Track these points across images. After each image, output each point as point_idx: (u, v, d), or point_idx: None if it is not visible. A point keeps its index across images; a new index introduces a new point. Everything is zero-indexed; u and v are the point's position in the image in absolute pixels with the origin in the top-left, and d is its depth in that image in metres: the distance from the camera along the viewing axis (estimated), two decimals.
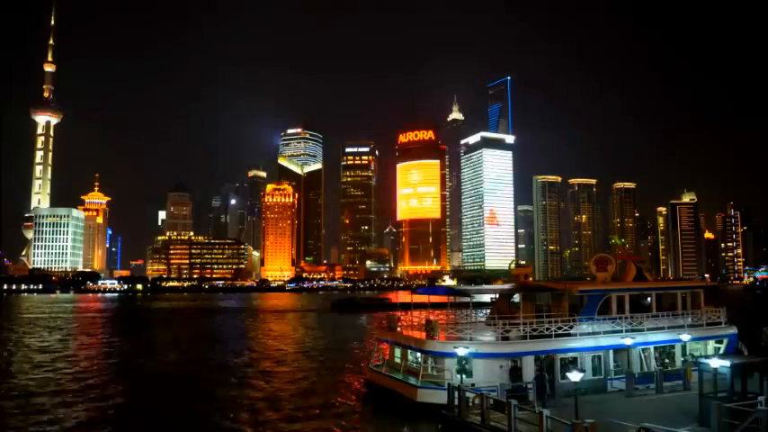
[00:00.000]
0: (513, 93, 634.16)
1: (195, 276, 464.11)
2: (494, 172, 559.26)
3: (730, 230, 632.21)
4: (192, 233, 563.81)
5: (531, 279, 43.48)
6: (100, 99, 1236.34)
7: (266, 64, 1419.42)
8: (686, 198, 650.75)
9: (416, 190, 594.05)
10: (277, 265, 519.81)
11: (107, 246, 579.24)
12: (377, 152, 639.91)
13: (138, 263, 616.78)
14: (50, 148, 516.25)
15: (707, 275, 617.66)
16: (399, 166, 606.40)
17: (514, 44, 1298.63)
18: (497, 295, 40.56)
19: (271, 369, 50.96)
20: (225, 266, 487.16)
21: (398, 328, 36.90)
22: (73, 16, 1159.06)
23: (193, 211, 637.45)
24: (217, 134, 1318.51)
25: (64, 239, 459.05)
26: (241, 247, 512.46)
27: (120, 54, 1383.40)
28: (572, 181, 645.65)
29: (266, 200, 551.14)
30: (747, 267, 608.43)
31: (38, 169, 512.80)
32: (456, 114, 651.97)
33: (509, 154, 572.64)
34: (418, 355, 33.30)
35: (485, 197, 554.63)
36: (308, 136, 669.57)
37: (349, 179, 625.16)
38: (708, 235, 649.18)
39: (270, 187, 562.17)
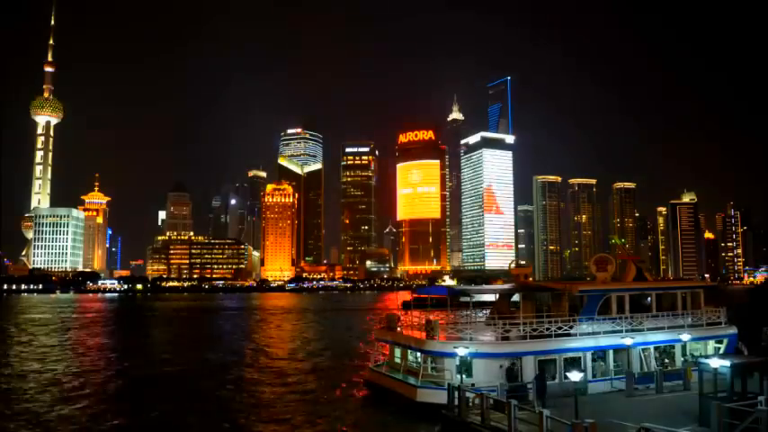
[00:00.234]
0: (513, 93, 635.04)
1: (195, 276, 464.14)
2: (494, 172, 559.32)
3: (730, 230, 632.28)
4: (191, 233, 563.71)
5: (530, 279, 43.51)
6: (100, 99, 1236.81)
7: (266, 64, 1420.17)
8: (686, 198, 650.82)
9: (416, 190, 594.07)
10: (277, 265, 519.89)
11: (107, 246, 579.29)
12: (377, 152, 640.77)
13: (138, 263, 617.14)
14: (50, 148, 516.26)
15: (707, 275, 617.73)
16: (399, 166, 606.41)
17: (514, 44, 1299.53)
18: (497, 295, 40.53)
19: (270, 369, 50.96)
20: (225, 266, 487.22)
21: (398, 328, 36.86)
22: (73, 16, 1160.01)
23: (193, 211, 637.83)
24: (217, 134, 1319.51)
25: (64, 239, 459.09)
26: (241, 247, 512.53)
27: (120, 54, 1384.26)
28: (572, 181, 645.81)
29: (266, 200, 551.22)
30: (747, 267, 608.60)
31: (38, 169, 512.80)
32: (456, 114, 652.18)
33: (509, 154, 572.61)
34: (418, 354, 33.26)
35: (485, 197, 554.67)
36: (308, 136, 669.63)
37: (349, 179, 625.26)
38: (708, 235, 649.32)
39: (270, 187, 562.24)
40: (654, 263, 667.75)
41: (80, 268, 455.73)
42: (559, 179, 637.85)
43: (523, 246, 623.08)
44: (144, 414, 34.93)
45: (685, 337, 35.83)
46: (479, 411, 26.17)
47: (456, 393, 27.80)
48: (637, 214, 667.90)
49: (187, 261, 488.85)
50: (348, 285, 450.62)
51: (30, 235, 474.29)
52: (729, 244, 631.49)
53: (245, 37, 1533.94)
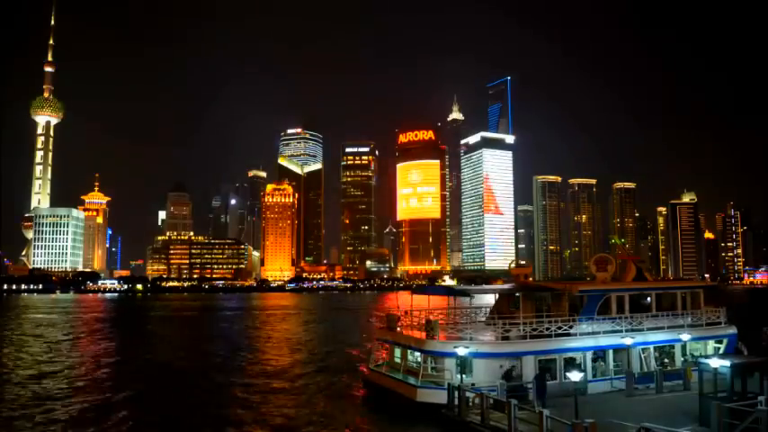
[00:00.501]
0: (513, 93, 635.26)
1: (195, 276, 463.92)
2: (494, 172, 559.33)
3: (730, 230, 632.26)
4: (191, 233, 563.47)
5: (530, 279, 43.51)
6: (100, 99, 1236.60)
7: (266, 64, 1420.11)
8: (686, 198, 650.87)
9: (416, 190, 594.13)
10: (277, 265, 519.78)
11: (107, 246, 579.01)
12: (377, 152, 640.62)
13: (138, 263, 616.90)
14: (50, 148, 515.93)
15: (707, 275, 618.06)
16: (399, 166, 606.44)
17: (514, 44, 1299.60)
18: (497, 295, 40.57)
19: (269, 368, 50.96)
20: (225, 266, 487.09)
21: (398, 328, 36.87)
22: (73, 16, 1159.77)
23: (193, 211, 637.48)
24: (217, 134, 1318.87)
25: (64, 239, 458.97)
26: (241, 247, 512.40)
27: (120, 54, 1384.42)
28: (572, 181, 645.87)
29: (266, 200, 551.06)
30: (747, 267, 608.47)
31: (38, 169, 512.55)
32: (456, 114, 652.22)
33: (509, 154, 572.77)
34: (418, 354, 33.28)
35: (485, 197, 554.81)
36: (308, 136, 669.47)
37: (349, 179, 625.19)
38: (708, 235, 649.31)
39: (270, 187, 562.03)
40: (654, 263, 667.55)
41: (80, 268, 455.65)
42: (559, 179, 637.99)
43: (523, 246, 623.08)
44: (143, 414, 34.93)
45: (686, 337, 35.84)
46: (479, 411, 26.18)
47: (456, 393, 27.81)
48: (637, 214, 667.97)
49: (187, 261, 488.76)
50: (348, 285, 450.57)
51: (30, 235, 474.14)
52: (729, 244, 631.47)
53: (246, 37, 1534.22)
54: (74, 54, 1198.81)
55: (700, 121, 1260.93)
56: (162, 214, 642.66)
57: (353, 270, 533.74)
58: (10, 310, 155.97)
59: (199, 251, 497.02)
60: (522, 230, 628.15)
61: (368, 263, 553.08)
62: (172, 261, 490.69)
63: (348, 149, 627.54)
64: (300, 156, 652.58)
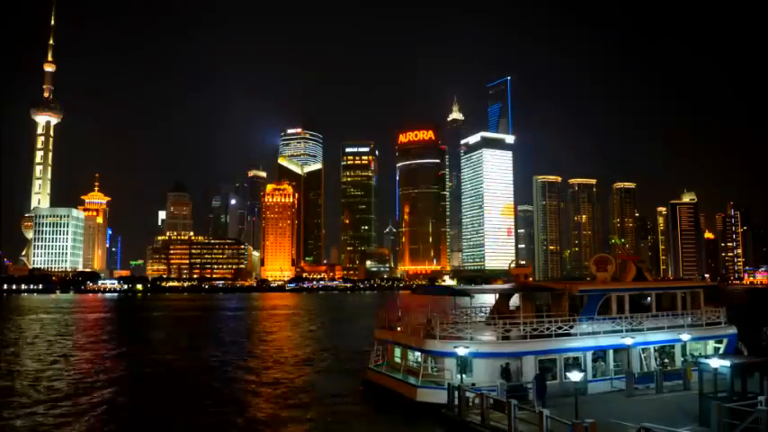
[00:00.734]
0: (513, 93, 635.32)
1: (195, 276, 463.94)
2: (494, 172, 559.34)
3: (730, 230, 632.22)
4: (192, 233, 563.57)
5: (530, 279, 43.50)
6: (100, 99, 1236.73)
7: (266, 64, 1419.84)
8: (686, 198, 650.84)
9: (416, 190, 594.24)
10: (277, 265, 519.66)
11: (107, 246, 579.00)
12: (377, 152, 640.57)
13: (139, 263, 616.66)
14: (50, 148, 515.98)
15: (707, 275, 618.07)
16: (399, 165, 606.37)
17: (515, 44, 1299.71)
18: (497, 295, 40.59)
19: (269, 369, 50.92)
20: (225, 266, 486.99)
21: (398, 328, 36.82)
22: (73, 16, 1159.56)
23: (193, 211, 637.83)
24: (217, 134, 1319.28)
25: (64, 239, 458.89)
26: (241, 247, 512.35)
27: (120, 54, 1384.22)
28: (572, 181, 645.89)
29: (266, 200, 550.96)
30: (747, 267, 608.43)
31: (38, 169, 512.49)
32: (456, 114, 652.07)
33: (509, 154, 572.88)
34: (417, 354, 33.22)
35: (485, 197, 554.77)
36: (308, 136, 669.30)
37: (349, 179, 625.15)
38: (708, 235, 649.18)
39: (270, 187, 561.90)
40: (654, 263, 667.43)
41: (80, 268, 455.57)
42: (559, 179, 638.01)
43: (523, 246, 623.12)
44: (140, 415, 34.94)
45: (685, 337, 35.85)
46: (479, 411, 26.17)
47: (456, 393, 27.79)
48: (637, 214, 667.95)
49: (187, 261, 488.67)
50: (348, 285, 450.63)
51: (30, 235, 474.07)
52: (729, 244, 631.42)
53: (246, 37, 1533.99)
54: (74, 54, 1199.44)
55: (700, 121, 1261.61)
56: (162, 214, 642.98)
57: (353, 270, 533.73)
58: (10, 311, 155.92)
59: (199, 251, 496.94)
60: (522, 230, 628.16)
61: (368, 263, 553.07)
62: (172, 261, 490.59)
63: (348, 149, 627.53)
64: (300, 156, 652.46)
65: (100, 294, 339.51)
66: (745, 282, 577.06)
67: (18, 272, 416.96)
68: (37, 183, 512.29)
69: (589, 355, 33.18)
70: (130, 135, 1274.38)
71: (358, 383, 38.89)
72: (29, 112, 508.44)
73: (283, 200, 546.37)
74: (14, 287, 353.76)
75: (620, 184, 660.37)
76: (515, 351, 31.67)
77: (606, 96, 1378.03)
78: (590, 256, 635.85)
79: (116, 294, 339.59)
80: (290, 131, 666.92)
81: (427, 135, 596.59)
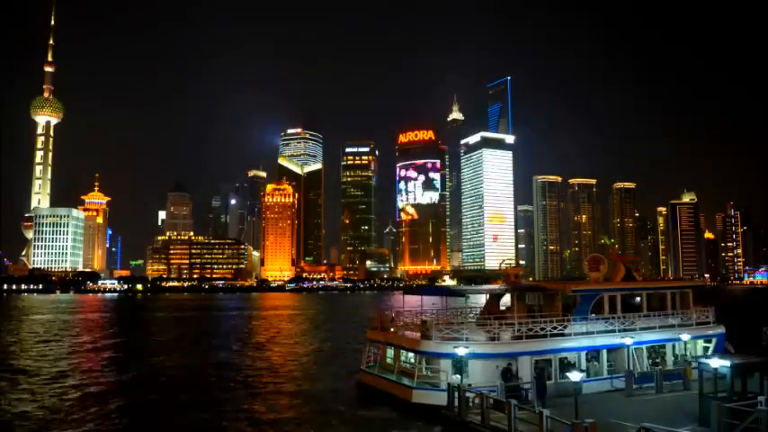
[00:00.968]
0: (513, 93, 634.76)
1: (195, 276, 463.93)
2: (494, 172, 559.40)
3: (730, 230, 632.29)
4: (192, 233, 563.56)
5: (522, 279, 43.36)
6: (100, 99, 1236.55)
7: (266, 64, 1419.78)
8: (686, 198, 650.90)
9: (416, 190, 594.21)
10: (277, 265, 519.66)
11: (107, 246, 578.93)
12: (377, 152, 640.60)
13: (139, 263, 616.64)
14: (50, 148, 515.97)
15: (707, 275, 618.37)
16: (399, 165, 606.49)
17: (515, 44, 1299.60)
18: (488, 295, 40.28)
19: (264, 370, 50.78)
20: (225, 266, 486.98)
21: (392, 329, 36.43)
22: (73, 16, 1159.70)
23: (193, 211, 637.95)
24: (217, 134, 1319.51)
25: (64, 239, 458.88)
26: (241, 247, 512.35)
27: (120, 54, 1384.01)
28: (572, 181, 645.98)
29: (266, 200, 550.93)
30: (747, 267, 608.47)
31: (38, 169, 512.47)
32: (456, 114, 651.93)
33: (509, 154, 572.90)
34: (410, 355, 32.99)
35: (485, 197, 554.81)
36: (308, 136, 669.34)
37: (349, 179, 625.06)
38: (708, 235, 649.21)
39: (270, 187, 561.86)
40: (654, 263, 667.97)
41: (80, 268, 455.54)
42: (559, 179, 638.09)
43: (523, 246, 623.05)
44: (137, 416, 34.94)
45: (686, 336, 36.07)
46: (479, 411, 26.16)
47: (456, 393, 27.78)
48: (637, 214, 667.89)
49: (187, 261, 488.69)
50: (348, 285, 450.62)
51: (30, 235, 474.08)
52: (729, 244, 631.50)
53: (246, 37, 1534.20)
54: (74, 54, 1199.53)
55: (700, 121, 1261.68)
56: (162, 214, 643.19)
57: (353, 270, 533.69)
58: (10, 311, 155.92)
59: (199, 251, 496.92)
60: (522, 230, 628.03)
61: (368, 263, 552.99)
62: (172, 261, 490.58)
63: (348, 149, 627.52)
64: (300, 156, 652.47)
65: (100, 294, 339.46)
66: (745, 282, 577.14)
67: (18, 272, 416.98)
68: (37, 183, 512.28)
69: (583, 355, 33.23)
70: (130, 135, 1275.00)
71: (352, 385, 38.48)
72: (29, 112, 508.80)
73: (283, 200, 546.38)
74: (14, 287, 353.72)
75: (620, 184, 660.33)
76: (513, 351, 31.56)
77: (606, 96, 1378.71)
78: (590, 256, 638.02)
79: (116, 294, 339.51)
80: (290, 131, 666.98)
81: (427, 135, 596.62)
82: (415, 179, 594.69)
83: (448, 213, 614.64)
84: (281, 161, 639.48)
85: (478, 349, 30.74)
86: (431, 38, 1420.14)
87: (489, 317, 34.84)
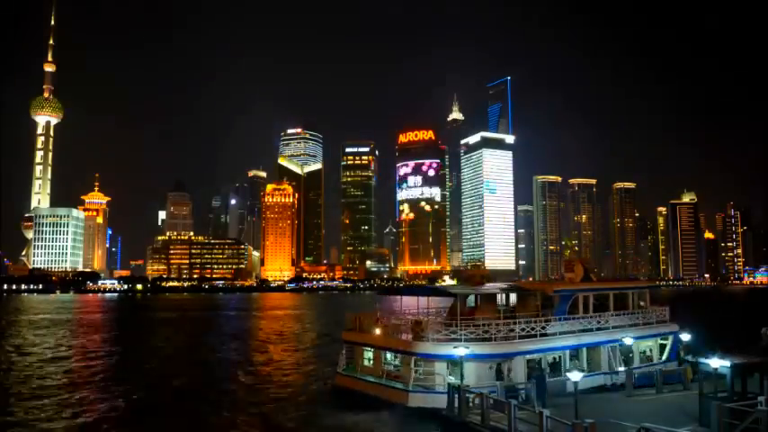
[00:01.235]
0: (513, 93, 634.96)
1: (195, 276, 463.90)
2: (494, 172, 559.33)
3: (730, 230, 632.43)
4: (192, 233, 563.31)
5: (486, 280, 43.16)
6: (100, 99, 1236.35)
7: (266, 64, 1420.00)
8: (686, 198, 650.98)
9: (416, 189, 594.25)
10: (277, 265, 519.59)
11: (107, 246, 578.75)
12: (377, 152, 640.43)
13: (138, 263, 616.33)
14: (50, 148, 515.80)
15: (707, 275, 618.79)
16: (399, 165, 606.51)
17: (515, 43, 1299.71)
18: (456, 296, 39.19)
19: (259, 372, 50.57)
20: (225, 266, 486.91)
21: (377, 330, 34.90)
22: (73, 16, 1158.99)
23: (193, 211, 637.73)
24: (217, 134, 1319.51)
25: (64, 239, 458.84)
26: (241, 247, 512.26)
27: (120, 54, 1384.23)
28: (572, 181, 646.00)
29: (266, 200, 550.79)
30: (747, 267, 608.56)
31: (38, 169, 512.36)
32: (456, 114, 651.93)
33: (509, 154, 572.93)
34: (389, 356, 32.56)
35: (485, 197, 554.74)
36: (308, 136, 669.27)
37: (349, 179, 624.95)
38: (708, 235, 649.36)
39: (270, 187, 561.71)
40: (654, 263, 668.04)
41: (80, 268, 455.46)
42: (559, 179, 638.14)
43: (523, 246, 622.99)
44: (123, 417, 34.93)
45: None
46: (479, 411, 26.14)
47: (456, 393, 27.74)
48: (637, 214, 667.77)
49: (187, 261, 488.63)
50: (348, 285, 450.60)
51: (30, 235, 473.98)
52: (729, 244, 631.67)
53: (246, 37, 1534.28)
54: (74, 54, 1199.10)
55: (700, 121, 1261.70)
56: (162, 214, 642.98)
57: (353, 270, 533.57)
58: (10, 311, 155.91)
59: (199, 251, 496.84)
60: (522, 230, 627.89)
61: (368, 263, 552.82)
62: (172, 261, 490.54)
63: (348, 149, 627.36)
64: (300, 156, 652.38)
65: (100, 294, 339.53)
66: (745, 282, 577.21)
67: (18, 272, 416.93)
68: (37, 183, 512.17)
69: (568, 353, 33.70)
70: (130, 135, 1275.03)
71: (331, 389, 36.41)
72: (29, 112, 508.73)
73: (283, 200, 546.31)
74: (14, 287, 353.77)
75: (620, 184, 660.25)
76: (509, 352, 31.47)
77: (606, 96, 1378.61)
78: (590, 255, 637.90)
79: (116, 294, 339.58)
80: (290, 131, 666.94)
81: (427, 135, 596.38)
82: (415, 179, 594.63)
83: (448, 213, 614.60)
84: (281, 161, 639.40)
85: (477, 350, 30.38)
86: (431, 38, 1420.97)
87: (454, 318, 33.74)
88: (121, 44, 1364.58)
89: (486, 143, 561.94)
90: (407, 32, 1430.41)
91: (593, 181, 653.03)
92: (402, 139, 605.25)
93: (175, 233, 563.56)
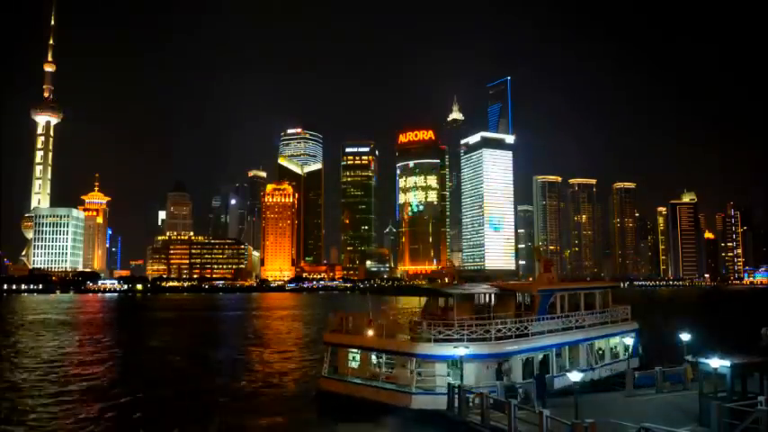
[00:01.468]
0: (512, 93, 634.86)
1: (195, 276, 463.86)
2: (494, 172, 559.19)
3: (730, 230, 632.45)
4: (192, 233, 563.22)
5: (454, 281, 43.82)
6: (100, 99, 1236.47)
7: (266, 64, 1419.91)
8: (686, 198, 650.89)
9: (416, 190, 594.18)
10: (277, 265, 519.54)
11: (107, 246, 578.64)
12: (377, 152, 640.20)
13: (138, 263, 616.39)
14: (50, 148, 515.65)
15: (707, 275, 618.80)
16: (399, 165, 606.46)
17: (515, 44, 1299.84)
18: (428, 296, 39.57)
19: (256, 375, 50.64)
20: (225, 266, 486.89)
21: (369, 331, 33.61)
22: (73, 16, 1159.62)
23: (193, 211, 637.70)
24: (217, 134, 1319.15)
25: (64, 239, 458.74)
26: (241, 247, 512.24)
27: (120, 54, 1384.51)
28: (572, 181, 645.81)
29: (266, 200, 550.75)
30: (747, 267, 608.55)
31: (38, 169, 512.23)
32: (456, 114, 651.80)
33: (509, 154, 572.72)
34: (374, 357, 32.10)
35: (485, 197, 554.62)
36: (308, 136, 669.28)
37: (349, 179, 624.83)
38: (708, 235, 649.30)
39: (270, 187, 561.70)
40: (654, 263, 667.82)
41: (80, 268, 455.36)
42: (559, 179, 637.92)
43: (523, 246, 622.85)
44: (132, 414, 34.98)
45: (618, 331, 38.50)
46: (479, 411, 26.13)
47: (456, 393, 27.72)
48: (637, 214, 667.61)
49: (187, 261, 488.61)
50: (348, 285, 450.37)
51: (30, 235, 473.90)
52: (729, 244, 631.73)
53: (246, 37, 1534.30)
54: (74, 54, 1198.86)
55: (700, 121, 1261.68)
56: (162, 214, 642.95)
57: (353, 270, 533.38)
58: (10, 311, 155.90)
59: (199, 251, 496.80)
60: (522, 230, 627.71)
61: (368, 263, 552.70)
62: (172, 261, 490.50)
63: (348, 149, 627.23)
64: (300, 156, 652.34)
65: (100, 294, 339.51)
66: (745, 282, 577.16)
67: (18, 272, 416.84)
68: (37, 183, 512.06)
69: (554, 351, 34.14)
70: (130, 135, 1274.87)
71: (320, 393, 34.28)
72: (29, 112, 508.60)
73: (283, 200, 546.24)
74: (14, 287, 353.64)
75: (620, 184, 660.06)
76: (507, 351, 31.52)
77: (606, 96, 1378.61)
78: (590, 256, 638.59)
79: (116, 294, 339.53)
80: (290, 131, 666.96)
81: (427, 135, 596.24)
82: (415, 179, 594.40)
83: (448, 213, 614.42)
84: (281, 161, 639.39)
85: (477, 350, 30.18)
86: (431, 38, 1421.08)
87: (427, 318, 33.80)
88: (122, 44, 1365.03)
89: (486, 143, 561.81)
90: (408, 33, 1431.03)
91: (593, 181, 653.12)
92: (402, 139, 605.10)
93: (175, 233, 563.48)
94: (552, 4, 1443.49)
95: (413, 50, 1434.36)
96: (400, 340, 32.23)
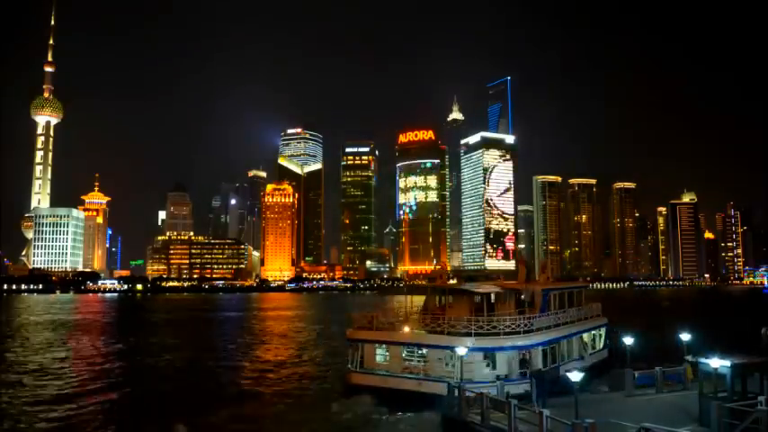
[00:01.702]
0: (513, 93, 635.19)
1: (195, 276, 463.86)
2: (494, 172, 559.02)
3: (730, 230, 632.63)
4: (192, 233, 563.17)
5: (452, 280, 45.74)
6: (100, 99, 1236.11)
7: (266, 64, 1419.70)
8: (686, 198, 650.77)
9: (416, 190, 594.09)
10: (277, 265, 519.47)
11: (107, 246, 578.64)
12: (377, 152, 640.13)
13: (139, 263, 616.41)
14: (50, 148, 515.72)
15: (707, 275, 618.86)
16: (399, 165, 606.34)
17: (515, 44, 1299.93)
18: (428, 293, 41.54)
19: (265, 371, 50.75)
20: (225, 266, 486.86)
21: (405, 327, 35.60)
22: (73, 16, 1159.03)
23: (193, 211, 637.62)
24: (217, 134, 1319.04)
25: (64, 239, 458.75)
26: (241, 247, 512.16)
27: (119, 54, 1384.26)
28: (572, 181, 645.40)
29: (266, 200, 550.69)
30: (747, 267, 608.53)
31: (38, 169, 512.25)
32: (456, 114, 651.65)
33: (509, 154, 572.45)
34: (404, 351, 33.92)
35: (485, 197, 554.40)
36: (308, 136, 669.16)
37: (349, 179, 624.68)
38: (708, 235, 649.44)
39: (270, 187, 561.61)
40: (654, 263, 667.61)
41: (80, 268, 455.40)
42: (559, 179, 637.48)
43: (523, 246, 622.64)
44: (115, 416, 34.90)
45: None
46: (479, 411, 26.11)
47: (456, 392, 27.73)
48: (637, 214, 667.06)
49: (187, 261, 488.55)
50: (348, 285, 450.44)
51: (30, 235, 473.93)
52: (729, 244, 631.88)
53: (246, 37, 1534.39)
54: (74, 54, 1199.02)
55: (700, 121, 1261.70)
56: (162, 214, 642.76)
57: (353, 270, 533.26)
58: (10, 311, 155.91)
59: (199, 251, 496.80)
60: (522, 230, 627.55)
61: (368, 263, 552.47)
62: (172, 261, 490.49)
63: (348, 149, 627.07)
64: (300, 156, 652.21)
65: (100, 294, 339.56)
66: (745, 282, 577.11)
67: (18, 272, 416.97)
68: (37, 183, 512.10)
69: (560, 344, 36.90)
70: (130, 135, 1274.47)
71: (341, 387, 35.91)
72: (29, 112, 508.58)
73: (283, 200, 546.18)
74: (14, 287, 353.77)
75: (620, 184, 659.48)
76: (532, 343, 33.88)
77: (607, 96, 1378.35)
78: (590, 256, 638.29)
79: (116, 294, 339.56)
80: (290, 131, 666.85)
81: (427, 135, 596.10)
82: (415, 179, 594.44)
83: (448, 213, 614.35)
84: (281, 161, 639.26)
85: (510, 343, 32.96)
86: (431, 38, 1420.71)
87: (427, 313, 36.73)
88: (122, 44, 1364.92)
89: (486, 143, 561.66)
90: (408, 33, 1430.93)
91: (593, 181, 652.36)
92: (402, 139, 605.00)
93: (175, 233, 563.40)
94: (552, 3, 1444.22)
95: (413, 50, 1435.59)
96: (439, 335, 33.87)
